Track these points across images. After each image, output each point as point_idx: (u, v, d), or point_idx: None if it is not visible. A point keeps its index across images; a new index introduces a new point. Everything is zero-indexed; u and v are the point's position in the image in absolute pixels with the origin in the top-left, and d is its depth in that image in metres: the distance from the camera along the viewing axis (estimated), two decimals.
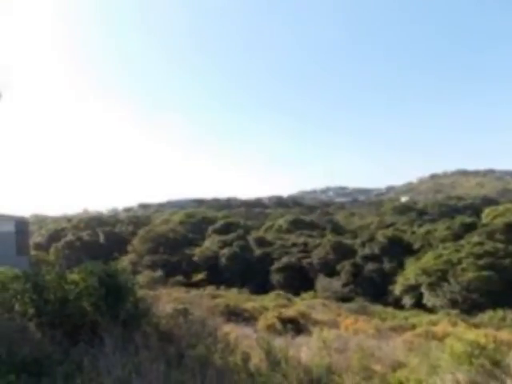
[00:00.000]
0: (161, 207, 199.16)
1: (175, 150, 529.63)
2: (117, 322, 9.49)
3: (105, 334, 8.56)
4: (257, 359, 9.53)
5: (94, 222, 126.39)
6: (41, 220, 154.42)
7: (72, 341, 8.93)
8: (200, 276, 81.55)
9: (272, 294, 62.46)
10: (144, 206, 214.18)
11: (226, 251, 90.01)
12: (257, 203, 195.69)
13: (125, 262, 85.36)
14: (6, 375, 7.13)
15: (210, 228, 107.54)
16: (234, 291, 66.05)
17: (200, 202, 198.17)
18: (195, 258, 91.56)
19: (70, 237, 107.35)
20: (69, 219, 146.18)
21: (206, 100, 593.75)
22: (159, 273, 79.07)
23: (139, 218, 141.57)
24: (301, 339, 15.90)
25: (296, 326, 25.68)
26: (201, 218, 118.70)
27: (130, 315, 10.20)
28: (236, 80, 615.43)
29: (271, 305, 42.84)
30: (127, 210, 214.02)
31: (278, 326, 25.93)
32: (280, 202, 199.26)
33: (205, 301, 39.88)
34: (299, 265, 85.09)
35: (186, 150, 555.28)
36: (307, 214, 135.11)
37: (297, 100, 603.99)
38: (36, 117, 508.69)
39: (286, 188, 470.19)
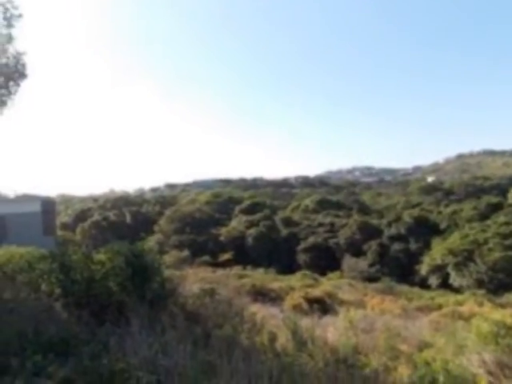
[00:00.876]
0: (187, 187, 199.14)
1: (202, 130, 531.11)
2: (143, 301, 9.47)
3: (131, 314, 8.54)
4: (283, 339, 9.47)
5: (121, 202, 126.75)
6: (67, 200, 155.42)
7: (98, 321, 8.91)
8: (226, 256, 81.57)
9: (298, 274, 62.29)
10: (170, 186, 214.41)
11: (252, 231, 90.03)
12: (283, 183, 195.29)
13: (151, 241, 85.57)
14: (32, 355, 7.12)
15: (237, 208, 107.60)
16: (260, 271, 66.00)
17: (226, 182, 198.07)
18: (222, 238, 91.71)
19: (96, 217, 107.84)
20: (95, 199, 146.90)
21: (233, 80, 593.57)
22: (186, 253, 79.12)
23: (166, 197, 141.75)
24: (327, 319, 15.83)
25: (322, 306, 25.57)
26: (227, 198, 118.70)
27: (157, 295, 10.17)
28: (262, 59, 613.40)
29: (298, 285, 42.71)
30: (154, 190, 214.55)
31: (305, 306, 25.84)
32: (306, 182, 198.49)
33: (231, 281, 39.89)
34: (326, 245, 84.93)
35: (213, 130, 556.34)
36: (334, 194, 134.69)
37: (324, 80, 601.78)
38: (64, 96, 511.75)
39: (312, 168, 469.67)
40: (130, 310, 8.86)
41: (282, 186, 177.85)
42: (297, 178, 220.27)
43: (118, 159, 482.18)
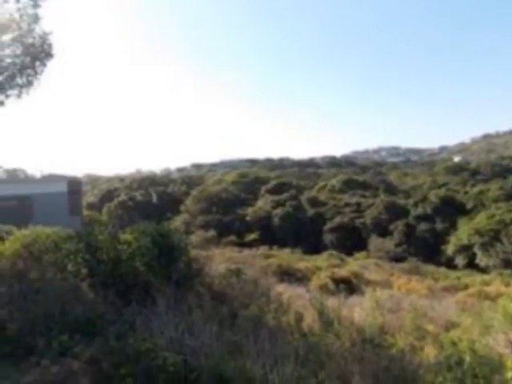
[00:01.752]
0: (213, 167, 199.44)
1: (229, 110, 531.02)
2: (169, 282, 9.46)
3: (157, 294, 8.53)
4: (309, 319, 9.46)
5: (147, 181, 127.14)
6: (93, 180, 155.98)
7: (125, 301, 8.91)
8: (253, 236, 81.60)
9: (325, 254, 62.31)
10: (197, 166, 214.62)
11: (278, 211, 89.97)
12: (310, 163, 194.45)
13: (178, 222, 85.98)
14: (58, 335, 7.14)
15: (263, 188, 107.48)
16: (286, 251, 65.88)
17: (253, 162, 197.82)
18: (248, 218, 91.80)
19: (122, 197, 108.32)
20: (121, 179, 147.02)
21: (260, 60, 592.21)
22: (212, 233, 79.32)
23: (192, 177, 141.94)
24: (354, 299, 15.79)
25: (349, 286, 25.54)
26: (254, 178, 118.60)
27: (183, 275, 10.15)
28: (289, 39, 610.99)
29: (324, 265, 42.71)
30: (180, 170, 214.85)
31: (331, 286, 25.84)
32: (333, 162, 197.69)
33: (258, 261, 39.94)
34: (352, 225, 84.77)
35: (239, 109, 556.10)
36: (360, 174, 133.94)
37: (350, 59, 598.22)
38: (90, 77, 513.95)
39: (339, 148, 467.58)
40: (156, 290, 8.85)
41: (309, 166, 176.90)
42: (323, 158, 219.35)
43: (144, 139, 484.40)
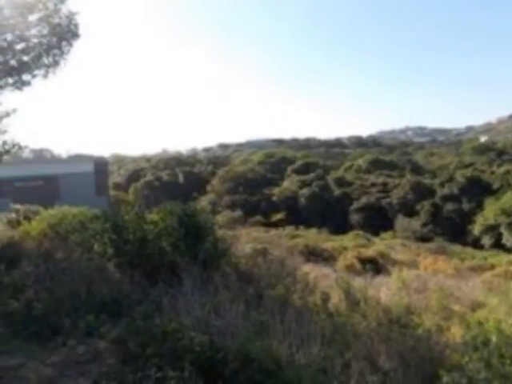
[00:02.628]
0: (240, 147, 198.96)
1: (255, 90, 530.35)
2: (196, 261, 9.44)
3: (184, 274, 8.51)
4: (336, 299, 9.46)
5: (173, 162, 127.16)
6: (120, 160, 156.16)
7: (151, 281, 8.92)
8: (279, 216, 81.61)
9: (351, 234, 62.22)
10: (223, 146, 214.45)
11: (305, 191, 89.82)
12: (336, 143, 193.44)
13: (204, 202, 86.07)
14: (85, 315, 7.14)
15: (289, 168, 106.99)
16: (313, 231, 65.88)
17: (279, 142, 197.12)
18: (274, 198, 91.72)
19: (149, 177, 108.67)
20: (148, 159, 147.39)
21: (286, 40, 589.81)
22: (238, 213, 79.45)
23: (218, 158, 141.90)
24: (380, 279, 15.78)
25: (375, 266, 25.50)
26: (280, 158, 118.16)
27: (209, 255, 10.14)
28: (317, 19, 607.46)
29: (350, 245, 42.62)
30: (206, 150, 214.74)
31: (357, 266, 25.81)
32: (359, 142, 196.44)
33: (284, 241, 39.95)
34: (378, 205, 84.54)
35: (265, 89, 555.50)
36: (386, 154, 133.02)
37: (377, 40, 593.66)
38: (118, 56, 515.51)
39: (365, 128, 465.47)
40: (182, 270, 8.83)
41: (335, 146, 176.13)
42: (350, 138, 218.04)
43: (171, 119, 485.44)
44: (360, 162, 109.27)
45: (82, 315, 7.17)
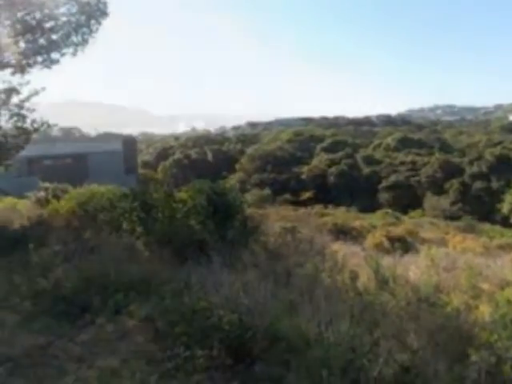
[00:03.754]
0: (268, 126, 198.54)
1: (284, 68, 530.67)
2: (225, 240, 9.44)
3: (212, 252, 8.51)
4: (365, 278, 9.43)
5: (202, 140, 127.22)
6: (149, 138, 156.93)
7: (180, 259, 8.92)
8: (308, 194, 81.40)
9: (379, 213, 62.09)
10: (252, 125, 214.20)
11: (333, 169, 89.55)
12: (365, 121, 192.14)
13: (233, 180, 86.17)
14: (114, 294, 7.17)
15: (318, 146, 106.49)
16: (341, 209, 65.81)
17: (308, 121, 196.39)
18: (303, 177, 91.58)
19: (177, 155, 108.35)
20: (176, 138, 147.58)
21: (316, 18, 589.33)
22: (267, 191, 79.41)
23: (247, 136, 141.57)
24: (409, 258, 15.67)
25: (404, 245, 25.34)
26: (309, 137, 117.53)
27: (238, 234, 10.13)
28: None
29: (379, 223, 42.45)
30: (235, 128, 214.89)
31: (386, 244, 25.68)
32: (388, 121, 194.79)
33: (313, 219, 39.93)
34: (407, 183, 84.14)
35: (294, 68, 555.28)
36: (415, 132, 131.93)
37: (407, 18, 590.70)
38: (146, 26, 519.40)
39: (394, 106, 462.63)
40: (211, 248, 8.84)
41: (364, 125, 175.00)
42: (378, 117, 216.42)
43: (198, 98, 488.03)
44: (389, 140, 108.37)
45: (110, 294, 7.20)
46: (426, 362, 5.56)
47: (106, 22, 15.07)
